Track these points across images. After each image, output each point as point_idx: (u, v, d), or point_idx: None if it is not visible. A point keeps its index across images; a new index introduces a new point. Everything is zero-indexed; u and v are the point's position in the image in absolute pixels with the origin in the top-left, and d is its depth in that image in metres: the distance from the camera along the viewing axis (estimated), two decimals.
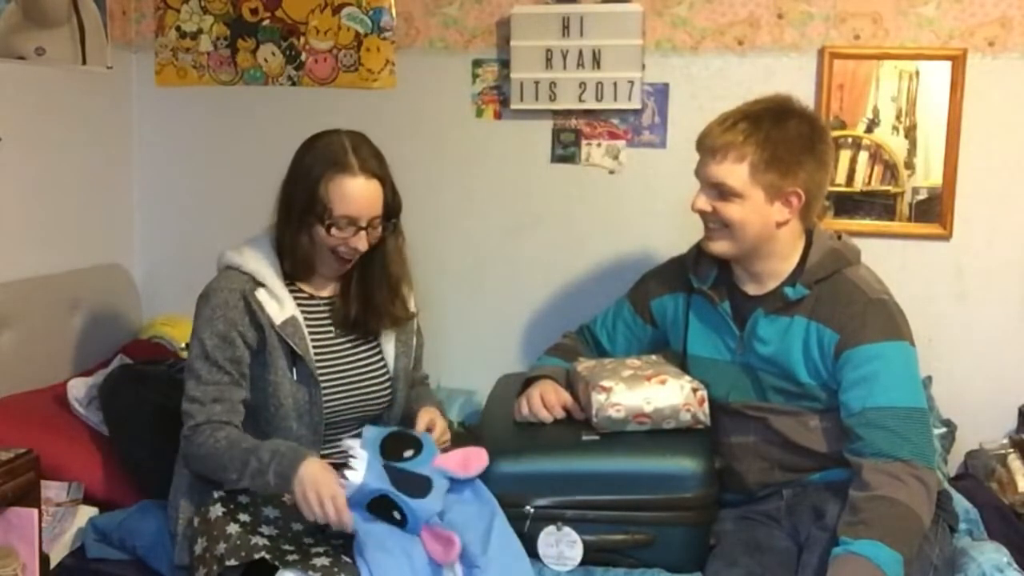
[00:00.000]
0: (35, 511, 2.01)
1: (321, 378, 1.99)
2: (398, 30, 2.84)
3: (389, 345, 2.13)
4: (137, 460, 2.26)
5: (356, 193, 1.95)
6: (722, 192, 1.99)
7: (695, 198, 2.03)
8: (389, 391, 2.12)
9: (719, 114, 2.05)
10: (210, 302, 1.97)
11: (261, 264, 2.00)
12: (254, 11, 2.91)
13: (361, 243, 1.98)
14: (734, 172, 1.96)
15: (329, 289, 2.10)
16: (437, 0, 2.81)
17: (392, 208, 2.03)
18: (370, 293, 2.07)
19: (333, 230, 1.96)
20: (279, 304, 1.99)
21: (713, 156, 1.99)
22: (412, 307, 2.15)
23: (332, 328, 2.08)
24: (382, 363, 2.12)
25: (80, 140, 2.79)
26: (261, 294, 1.98)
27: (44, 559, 2.04)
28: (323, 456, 1.99)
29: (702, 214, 2.04)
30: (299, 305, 2.02)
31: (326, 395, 2.01)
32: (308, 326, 2.02)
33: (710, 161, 2.00)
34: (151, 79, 2.99)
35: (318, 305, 2.08)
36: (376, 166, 1.99)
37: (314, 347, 2.01)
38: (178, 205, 3.00)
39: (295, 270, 2.04)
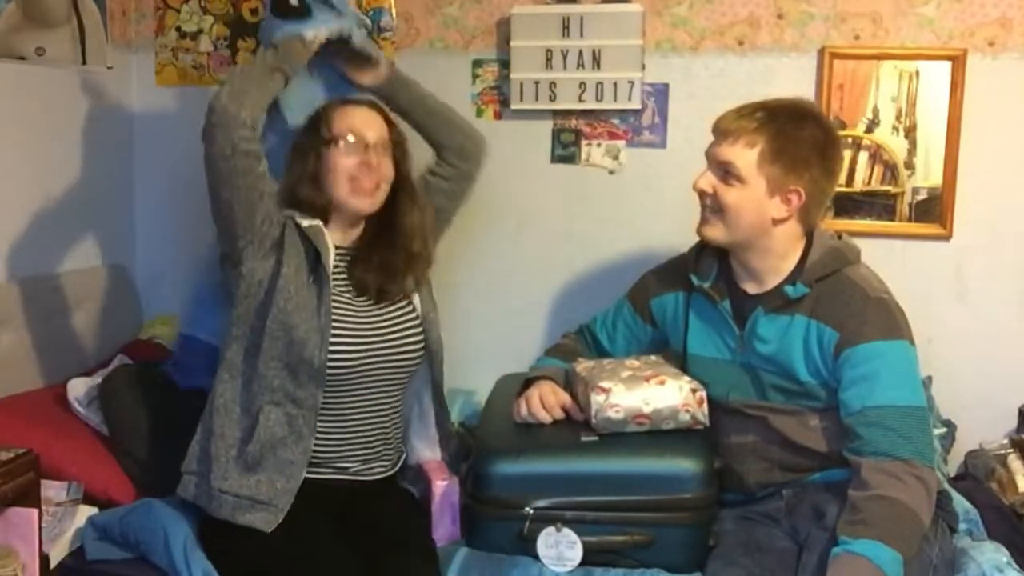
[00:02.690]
0: (35, 511, 2.01)
1: (335, 314, 2.02)
2: (398, 30, 2.84)
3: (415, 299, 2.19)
4: (137, 460, 2.27)
5: (356, 111, 2.10)
6: (726, 173, 1.99)
7: (698, 177, 2.04)
8: (421, 331, 2.15)
9: (723, 112, 2.05)
10: None
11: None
12: (254, 11, 2.90)
13: (373, 158, 2.05)
14: (743, 155, 1.97)
15: (348, 239, 2.14)
16: (437, 0, 2.81)
17: (400, 136, 2.16)
18: (388, 253, 2.14)
19: (342, 144, 2.04)
20: (305, 218, 2.05)
21: (726, 137, 2.00)
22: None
23: (346, 279, 2.11)
24: (409, 307, 2.16)
25: (80, 140, 2.79)
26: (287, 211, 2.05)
27: (44, 559, 2.04)
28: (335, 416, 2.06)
29: (701, 195, 2.05)
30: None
31: (342, 333, 2.03)
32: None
33: (722, 141, 2.01)
34: (151, 79, 2.99)
35: (339, 254, 2.11)
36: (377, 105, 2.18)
37: (334, 296, 2.04)
38: (178, 205, 2.99)
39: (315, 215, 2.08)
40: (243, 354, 2.03)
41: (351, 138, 2.05)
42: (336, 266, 2.08)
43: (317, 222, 2.05)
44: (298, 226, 2.04)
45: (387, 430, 2.16)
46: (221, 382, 2.05)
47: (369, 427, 2.12)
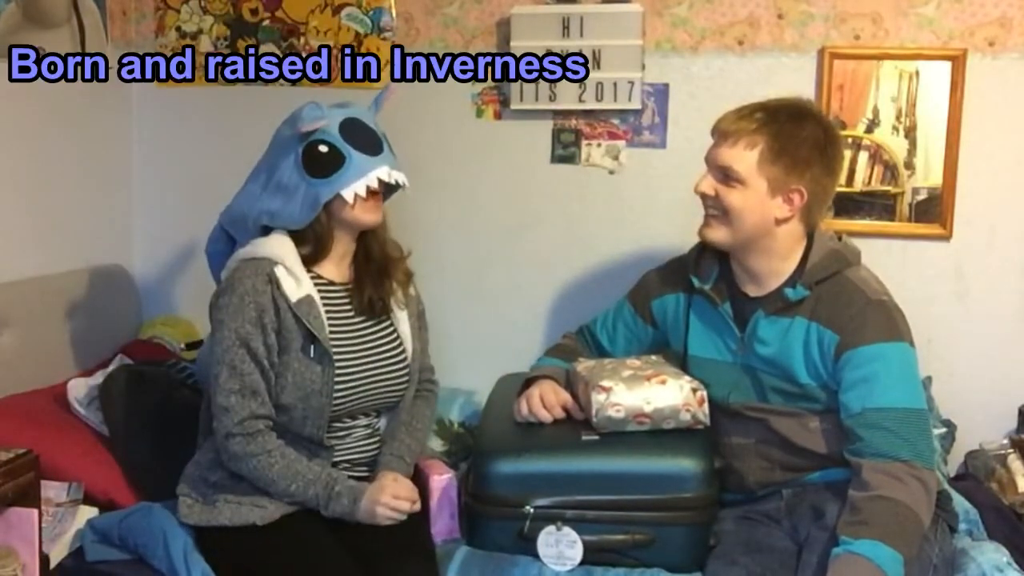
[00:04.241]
0: (35, 511, 2.01)
1: (337, 359, 1.99)
2: (398, 30, 2.84)
3: (404, 326, 2.14)
4: (137, 460, 2.26)
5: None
6: (727, 176, 1.99)
7: (699, 180, 2.04)
8: (407, 373, 2.12)
9: (723, 112, 2.06)
10: (236, 290, 1.96)
11: (276, 246, 2.01)
12: (254, 11, 2.91)
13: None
14: (743, 158, 1.97)
15: (346, 275, 2.11)
16: (437, 0, 2.81)
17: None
18: (380, 262, 2.11)
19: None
20: (296, 282, 1.99)
21: (725, 139, 2.00)
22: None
23: (351, 312, 2.08)
24: (399, 345, 2.13)
25: (80, 140, 2.79)
26: (279, 271, 1.98)
27: (44, 559, 2.04)
28: (333, 444, 2.05)
29: (703, 198, 2.05)
30: (317, 287, 2.03)
31: (344, 377, 2.01)
32: (327, 308, 2.02)
33: (722, 144, 2.01)
34: None
35: (338, 292, 2.08)
36: None
37: (332, 330, 2.01)
38: (178, 205, 2.99)
39: (314, 249, 2.04)
40: None
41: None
42: (336, 303, 2.07)
43: (306, 293, 1.99)
44: (288, 303, 1.98)
45: (373, 446, 2.15)
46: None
47: (357, 447, 2.12)
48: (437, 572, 1.96)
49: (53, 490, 2.14)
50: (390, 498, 1.95)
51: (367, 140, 2.02)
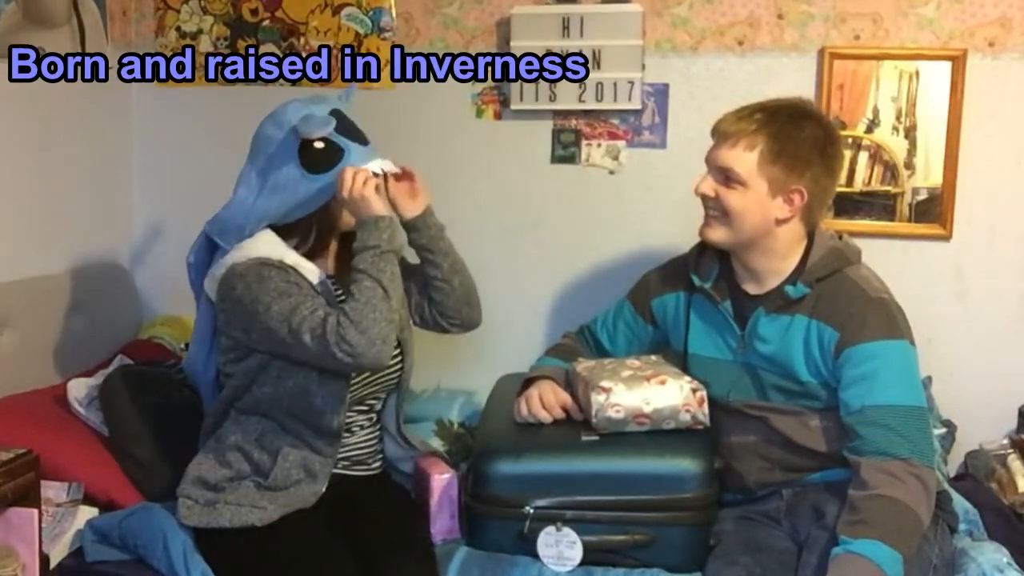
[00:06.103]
0: (35, 511, 2.01)
1: None
2: (398, 30, 2.84)
3: None
4: (137, 460, 2.26)
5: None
6: (727, 178, 2.00)
7: (700, 181, 2.04)
8: (398, 351, 2.12)
9: (723, 112, 2.06)
10: (252, 272, 1.93)
11: (269, 245, 2.01)
12: (254, 11, 2.91)
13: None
14: (743, 159, 1.98)
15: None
16: (437, 0, 2.81)
17: None
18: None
19: None
20: (306, 270, 2.00)
21: (725, 141, 2.00)
22: None
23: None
24: None
25: (80, 140, 2.79)
26: (289, 259, 1.98)
27: (44, 559, 2.04)
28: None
29: (704, 199, 2.05)
30: None
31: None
32: None
33: (722, 145, 2.01)
34: None
35: (331, 281, 2.09)
36: None
37: None
38: (178, 206, 2.99)
39: (313, 244, 2.04)
40: (258, 405, 2.02)
41: None
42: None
43: (320, 277, 2.01)
44: (311, 284, 1.99)
45: (372, 442, 2.16)
46: (234, 422, 2.05)
47: (358, 443, 2.13)
48: (437, 572, 1.95)
49: (53, 490, 2.14)
50: None
51: (356, 130, 2.04)
